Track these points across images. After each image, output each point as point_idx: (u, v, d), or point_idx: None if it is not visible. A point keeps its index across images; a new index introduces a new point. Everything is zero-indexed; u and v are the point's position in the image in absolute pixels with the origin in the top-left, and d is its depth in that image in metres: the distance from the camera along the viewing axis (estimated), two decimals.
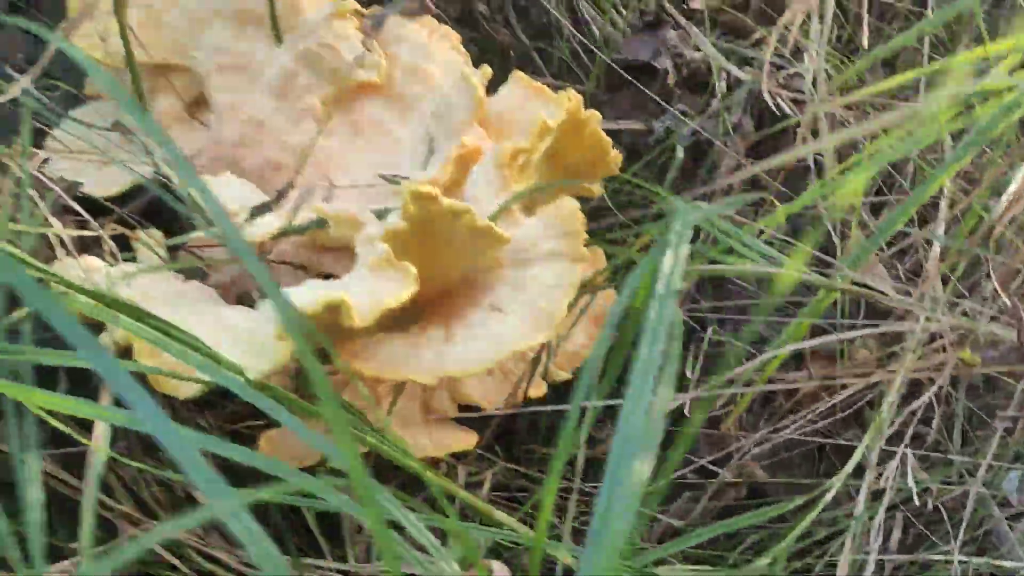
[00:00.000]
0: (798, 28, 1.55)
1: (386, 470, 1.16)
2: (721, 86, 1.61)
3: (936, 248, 1.32)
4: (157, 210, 1.33)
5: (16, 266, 0.56)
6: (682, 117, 1.59)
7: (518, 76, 1.35)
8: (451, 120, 1.24)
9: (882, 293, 1.16)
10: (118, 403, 0.88)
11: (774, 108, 1.61)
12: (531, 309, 1.02)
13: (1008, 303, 1.26)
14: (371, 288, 0.93)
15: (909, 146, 1.24)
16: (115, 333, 0.97)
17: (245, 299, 1.17)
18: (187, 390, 0.94)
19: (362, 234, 1.01)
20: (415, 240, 1.00)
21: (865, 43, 1.60)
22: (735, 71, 1.62)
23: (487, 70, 1.33)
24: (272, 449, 1.09)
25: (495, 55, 1.62)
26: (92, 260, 1.08)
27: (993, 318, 1.31)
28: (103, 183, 1.30)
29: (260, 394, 0.75)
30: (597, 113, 1.22)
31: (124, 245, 1.19)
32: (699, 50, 1.62)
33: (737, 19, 1.75)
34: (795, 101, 1.63)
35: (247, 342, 0.91)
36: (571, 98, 1.22)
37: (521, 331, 1.00)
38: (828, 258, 1.35)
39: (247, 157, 1.33)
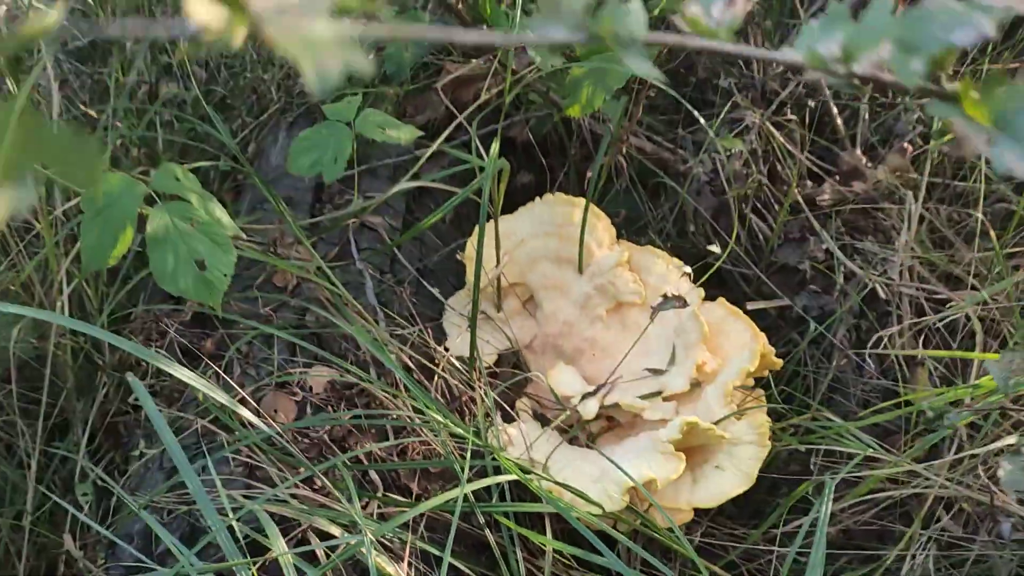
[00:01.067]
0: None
1: None
2: (839, 278, 2.56)
3: None
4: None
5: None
6: (812, 295, 2.55)
7: (722, 301, 2.34)
8: (687, 339, 2.25)
9: None
10: None
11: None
12: (738, 471, 2.05)
13: None
14: (664, 472, 1.98)
15: None
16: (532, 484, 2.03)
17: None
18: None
19: (653, 431, 2.04)
20: (684, 438, 2.03)
21: None
22: (849, 264, 2.57)
23: (700, 292, 2.33)
24: None
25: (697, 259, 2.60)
26: (511, 429, 2.13)
27: None
28: (485, 354, 2.35)
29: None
30: (770, 348, 2.22)
31: None
32: (828, 252, 2.57)
33: (855, 217, 2.69)
34: (887, 284, 2.58)
35: (605, 496, 1.96)
36: (764, 345, 2.22)
37: (733, 485, 2.04)
38: None
39: (563, 345, 2.37)
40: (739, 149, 2.49)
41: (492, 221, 2.46)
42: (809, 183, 2.75)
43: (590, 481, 2.02)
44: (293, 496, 1.82)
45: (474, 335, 2.14)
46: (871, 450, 2.03)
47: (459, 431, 1.91)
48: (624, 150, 2.59)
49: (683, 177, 2.57)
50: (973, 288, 2.50)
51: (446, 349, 2.30)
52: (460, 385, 2.13)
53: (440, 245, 2.55)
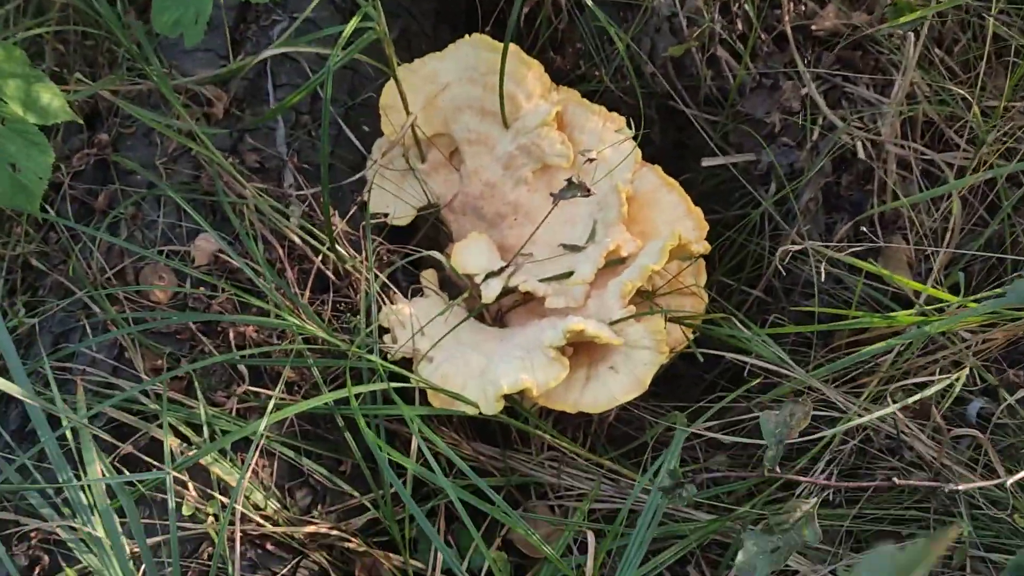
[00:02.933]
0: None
1: None
2: (814, 131, 2.25)
3: None
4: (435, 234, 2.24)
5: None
6: (781, 148, 2.26)
7: (656, 169, 2.10)
8: (606, 216, 2.04)
9: None
10: None
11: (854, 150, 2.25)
12: (631, 376, 1.93)
13: None
14: (544, 378, 1.87)
15: None
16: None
17: (496, 320, 2.12)
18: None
19: (550, 324, 1.91)
20: (571, 343, 1.90)
21: None
22: (830, 115, 2.25)
23: (636, 155, 2.09)
24: None
25: (653, 98, 2.30)
26: (402, 307, 2.03)
27: None
28: (399, 213, 2.21)
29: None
30: (704, 226, 1.99)
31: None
32: (806, 98, 2.24)
33: (852, 54, 2.31)
34: (872, 143, 2.25)
35: (482, 396, 1.88)
36: (698, 222, 2.00)
37: (623, 390, 1.92)
38: None
39: (484, 207, 2.19)
40: None
41: (418, 60, 2.22)
42: (808, 4, 2.35)
43: (473, 375, 1.93)
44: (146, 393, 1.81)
45: (367, 236, 1.99)
46: (776, 365, 1.86)
47: (317, 332, 1.82)
48: None
49: (640, 10, 2.22)
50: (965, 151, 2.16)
51: (363, 204, 2.16)
52: (351, 264, 2.01)
53: (374, 76, 2.32)
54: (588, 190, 1.88)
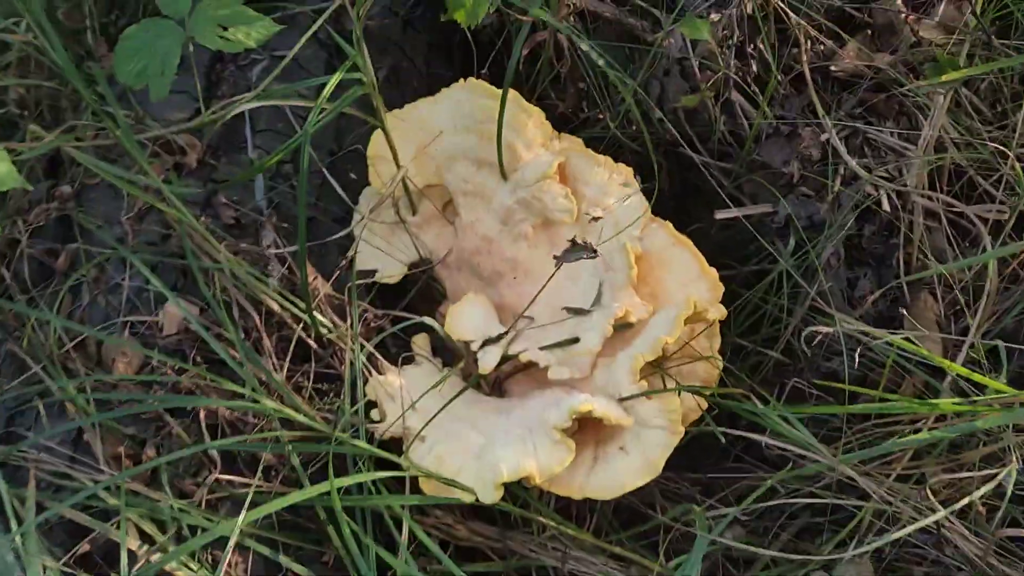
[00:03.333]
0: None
1: None
2: (836, 181, 2.08)
3: None
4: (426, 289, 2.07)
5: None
6: (800, 200, 2.09)
7: (667, 226, 1.92)
8: (614, 279, 1.87)
9: None
10: None
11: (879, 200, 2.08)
12: (643, 459, 1.75)
13: None
14: (547, 462, 1.69)
15: None
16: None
17: (495, 388, 1.95)
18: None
19: (548, 410, 1.74)
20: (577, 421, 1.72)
21: None
22: (853, 165, 2.08)
23: (645, 208, 1.91)
24: None
25: (661, 145, 2.13)
26: (391, 379, 1.86)
27: None
28: (389, 271, 2.03)
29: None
30: (716, 309, 1.82)
31: None
32: (826, 145, 2.07)
33: (875, 98, 2.14)
34: (898, 193, 2.08)
35: (480, 483, 1.71)
36: (712, 285, 1.83)
37: (634, 474, 1.75)
38: None
39: (482, 264, 2.01)
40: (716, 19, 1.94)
41: (408, 107, 2.04)
42: (827, 43, 2.18)
43: (470, 458, 1.75)
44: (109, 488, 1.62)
45: (352, 301, 1.81)
46: (806, 450, 1.69)
47: (295, 416, 1.64)
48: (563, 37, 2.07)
49: (649, 53, 2.05)
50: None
51: (349, 264, 1.98)
52: (334, 334, 1.83)
53: (362, 121, 2.13)
54: (594, 251, 1.71)
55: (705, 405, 1.91)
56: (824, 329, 1.52)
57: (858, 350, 1.90)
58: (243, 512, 1.52)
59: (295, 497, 1.57)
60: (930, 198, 2.03)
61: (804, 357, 2.14)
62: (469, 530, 1.94)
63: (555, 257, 1.74)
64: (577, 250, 1.72)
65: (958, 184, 2.10)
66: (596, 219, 1.72)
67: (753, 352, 2.12)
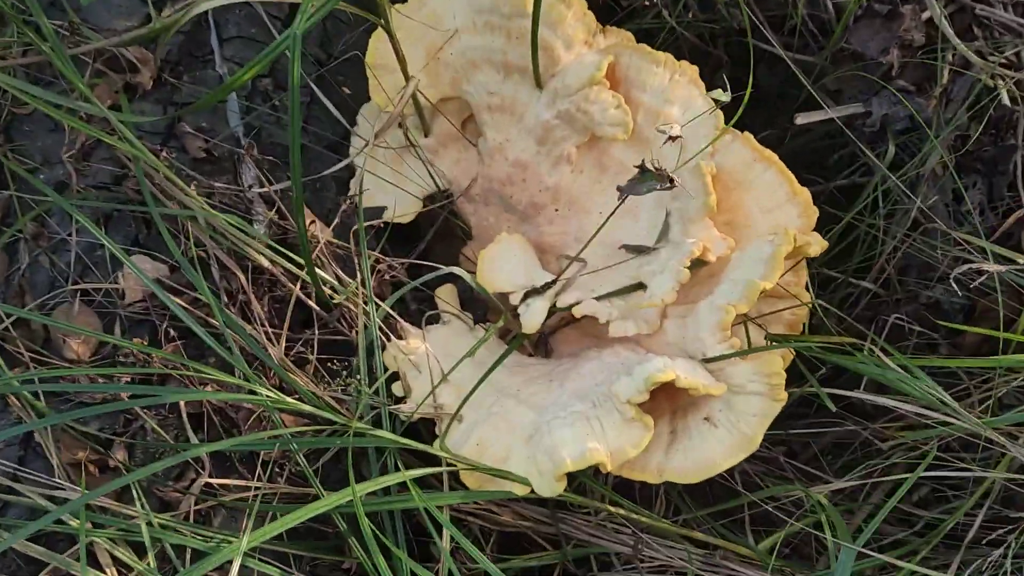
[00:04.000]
0: None
1: None
2: (944, 71, 1.69)
3: None
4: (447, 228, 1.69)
5: None
6: (902, 97, 1.70)
7: (746, 138, 1.54)
8: (684, 208, 1.50)
9: None
10: None
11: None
12: (735, 431, 1.41)
13: None
14: (619, 444, 1.35)
15: None
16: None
17: (539, 347, 1.59)
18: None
19: (617, 380, 1.38)
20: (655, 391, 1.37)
21: None
22: (965, 51, 1.69)
23: (719, 119, 1.53)
24: None
25: (732, 34, 1.73)
26: (415, 344, 1.49)
27: None
28: (401, 209, 1.65)
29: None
30: (816, 240, 1.45)
31: None
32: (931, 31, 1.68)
33: None
34: (1018, 85, 1.70)
35: (535, 471, 1.36)
36: (805, 208, 1.46)
37: (728, 452, 1.40)
38: None
39: (515, 195, 1.63)
40: None
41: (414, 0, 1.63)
42: None
43: (519, 440, 1.41)
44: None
45: (361, 250, 1.43)
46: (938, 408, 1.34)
47: (298, 406, 1.28)
48: None
49: None
50: None
51: (346, 199, 1.60)
52: (342, 295, 1.46)
53: (354, 20, 1.72)
54: (671, 180, 1.32)
55: (792, 354, 1.55)
56: (988, 267, 1.15)
57: (976, 278, 1.53)
58: (244, 536, 1.17)
59: (309, 511, 1.21)
60: None
61: (898, 285, 1.78)
62: (515, 514, 1.60)
63: (619, 189, 1.36)
64: (647, 178, 1.34)
65: None
66: (673, 139, 1.33)
67: (844, 284, 1.76)
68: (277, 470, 1.41)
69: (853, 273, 1.76)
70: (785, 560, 1.58)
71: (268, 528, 1.19)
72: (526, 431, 1.41)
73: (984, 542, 1.49)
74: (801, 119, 1.73)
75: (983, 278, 1.54)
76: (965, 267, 1.18)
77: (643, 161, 1.35)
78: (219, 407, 1.40)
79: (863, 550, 1.26)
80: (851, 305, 1.80)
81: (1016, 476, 1.39)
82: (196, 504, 1.34)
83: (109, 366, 1.40)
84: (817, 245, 1.48)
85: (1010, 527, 1.46)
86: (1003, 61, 1.68)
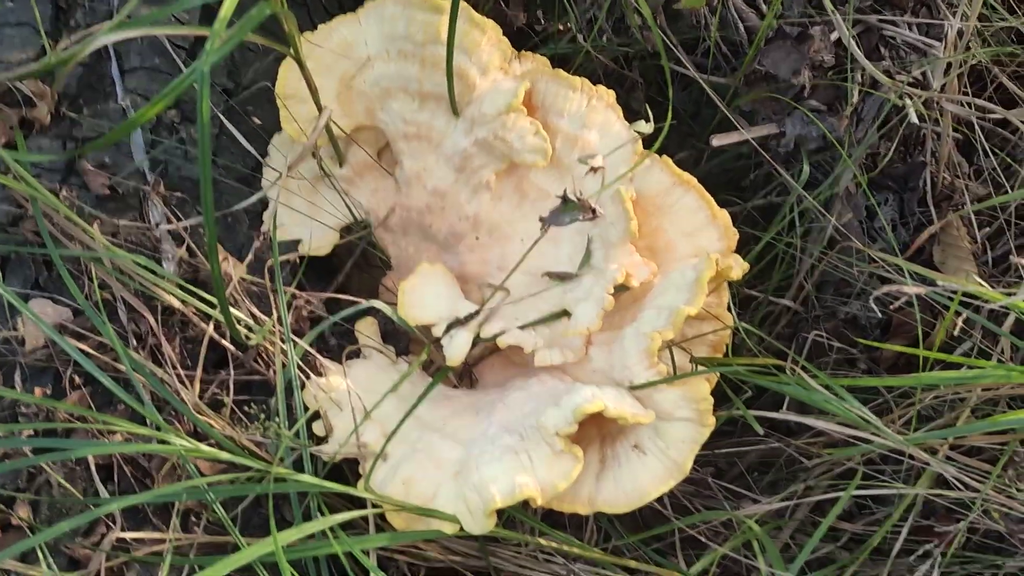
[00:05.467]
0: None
1: None
2: (854, 91, 1.72)
3: None
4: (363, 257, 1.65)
5: None
6: (814, 118, 1.73)
7: (665, 162, 1.54)
8: (606, 234, 1.48)
9: None
10: None
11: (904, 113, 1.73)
12: (665, 459, 1.39)
13: None
14: (549, 478, 1.32)
15: None
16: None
17: (464, 377, 1.56)
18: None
19: (544, 411, 1.35)
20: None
21: None
22: (872, 70, 1.72)
23: (636, 144, 1.53)
24: None
25: (647, 57, 1.73)
26: (335, 381, 1.45)
27: None
28: (317, 241, 1.61)
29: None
30: (737, 263, 1.46)
31: None
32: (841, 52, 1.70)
33: None
34: (925, 104, 1.74)
35: (465, 510, 1.33)
36: (725, 232, 1.46)
37: (655, 480, 1.39)
38: None
39: (434, 224, 1.60)
40: None
41: (323, 28, 1.59)
42: None
43: (447, 477, 1.37)
44: None
45: (277, 286, 1.38)
46: (863, 428, 1.35)
47: (217, 455, 1.23)
48: None
49: None
50: None
51: (260, 233, 1.55)
52: (259, 334, 1.41)
53: (261, 50, 1.67)
54: (593, 210, 1.31)
55: (715, 378, 1.55)
56: (908, 289, 1.17)
57: (897, 298, 1.56)
58: None
59: (229, 565, 1.16)
60: (964, 104, 1.68)
61: (816, 303, 1.81)
62: (443, 548, 1.57)
63: (541, 220, 1.34)
64: (570, 208, 1.33)
65: (991, 88, 1.76)
66: (594, 170, 1.31)
67: (764, 303, 1.77)
68: (194, 519, 1.35)
69: (773, 292, 1.77)
70: None
71: None
72: (453, 467, 1.38)
73: (912, 556, 1.51)
74: (717, 141, 1.73)
75: (903, 300, 1.57)
76: (885, 289, 1.18)
77: (564, 191, 1.34)
78: (130, 457, 1.33)
79: None
80: (771, 323, 1.82)
81: (938, 492, 1.40)
82: (107, 560, 1.27)
83: (11, 419, 1.32)
84: (739, 268, 1.48)
85: (936, 541, 1.47)
86: (910, 80, 1.72)
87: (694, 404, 1.38)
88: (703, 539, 1.63)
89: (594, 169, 1.32)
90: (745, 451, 1.78)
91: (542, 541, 1.46)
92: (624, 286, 1.46)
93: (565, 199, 1.32)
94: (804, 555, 1.31)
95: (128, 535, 1.29)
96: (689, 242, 1.53)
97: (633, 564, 1.53)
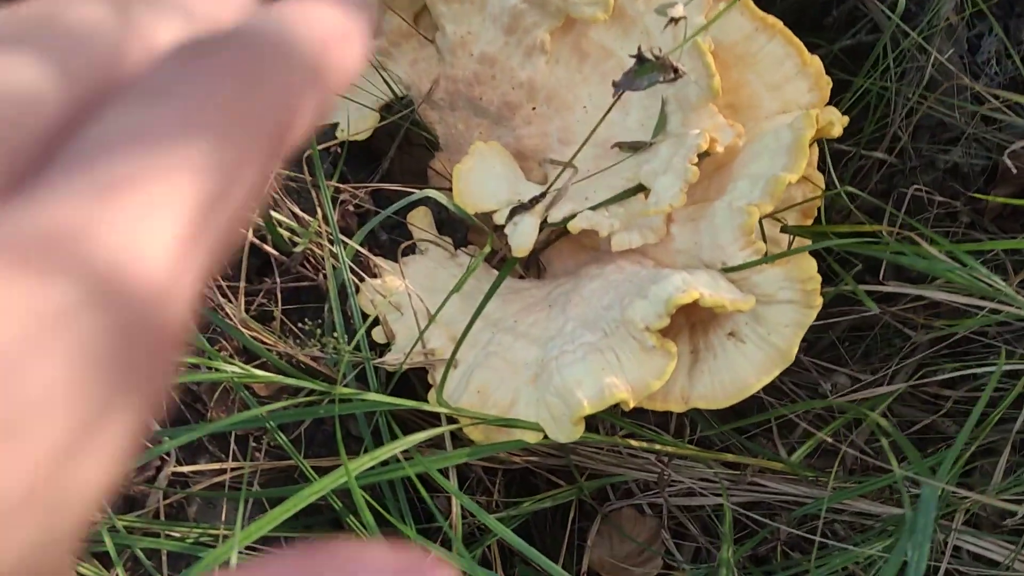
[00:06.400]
0: None
1: None
2: None
3: None
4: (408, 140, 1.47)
5: None
6: None
7: (745, 3, 1.33)
8: (683, 95, 1.30)
9: None
10: None
11: None
12: (766, 345, 1.25)
13: None
14: (640, 377, 1.18)
15: None
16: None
17: (531, 266, 1.41)
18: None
19: (631, 304, 1.20)
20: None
21: None
22: None
23: None
24: None
25: None
26: (392, 282, 1.31)
27: None
28: (356, 124, 1.43)
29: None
30: (837, 118, 1.27)
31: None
32: None
33: None
34: None
35: (548, 417, 1.20)
36: (817, 79, 1.27)
37: (757, 370, 1.25)
38: None
39: (484, 95, 1.42)
40: None
41: None
42: None
43: (524, 381, 1.24)
44: None
45: (319, 180, 1.21)
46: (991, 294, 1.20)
47: (273, 378, 1.10)
48: None
49: None
50: None
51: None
52: (305, 238, 1.25)
53: None
54: (676, 70, 1.12)
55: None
56: None
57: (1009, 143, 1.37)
58: (233, 546, 1.00)
59: (300, 501, 1.04)
60: None
61: (913, 153, 1.62)
62: (520, 450, 1.45)
63: (614, 84, 1.15)
64: (646, 69, 1.13)
65: None
66: (675, 20, 1.11)
67: (855, 157, 1.58)
68: (254, 443, 1.23)
69: (867, 145, 1.59)
70: (816, 470, 1.45)
71: (254, 528, 1.01)
72: (531, 369, 1.24)
73: None
74: None
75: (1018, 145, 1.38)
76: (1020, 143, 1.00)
77: (639, 48, 1.15)
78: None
79: (946, 486, 1.12)
80: (863, 178, 1.64)
81: None
82: (165, 499, 1.16)
83: None
84: (839, 124, 1.29)
85: None
86: None
87: (799, 284, 1.22)
88: (799, 421, 1.50)
89: (675, 20, 1.11)
90: (835, 321, 1.62)
91: (633, 443, 1.34)
92: (707, 152, 1.28)
93: (640, 58, 1.12)
94: (958, 468, 1.16)
95: (185, 468, 1.17)
96: (776, 96, 1.34)
97: (731, 457, 1.40)
